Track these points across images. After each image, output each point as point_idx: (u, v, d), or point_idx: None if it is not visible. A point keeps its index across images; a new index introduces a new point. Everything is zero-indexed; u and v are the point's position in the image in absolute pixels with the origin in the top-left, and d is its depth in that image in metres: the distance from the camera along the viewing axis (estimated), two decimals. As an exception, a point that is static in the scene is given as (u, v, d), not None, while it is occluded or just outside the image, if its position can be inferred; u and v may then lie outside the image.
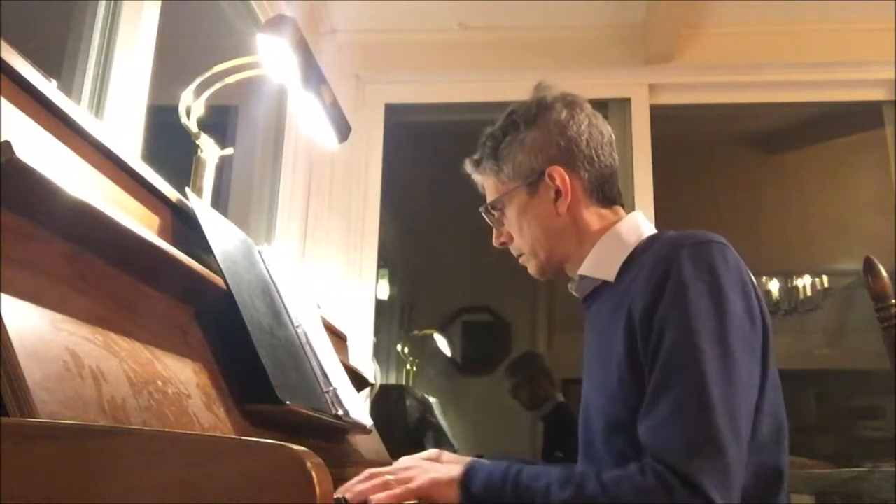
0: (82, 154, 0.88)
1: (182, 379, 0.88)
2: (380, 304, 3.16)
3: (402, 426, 2.88)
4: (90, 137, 0.89)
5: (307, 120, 1.64)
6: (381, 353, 4.10)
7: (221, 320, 1.03)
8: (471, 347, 5.09)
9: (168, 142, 1.53)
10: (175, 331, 0.94)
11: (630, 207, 1.24)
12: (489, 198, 1.26)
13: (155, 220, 1.04)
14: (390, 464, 1.20)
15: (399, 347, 4.39)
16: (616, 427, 1.03)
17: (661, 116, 2.91)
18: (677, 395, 0.91)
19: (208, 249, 1.06)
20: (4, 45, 0.75)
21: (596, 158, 1.18)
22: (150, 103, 1.67)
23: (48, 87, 0.81)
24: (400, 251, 4.74)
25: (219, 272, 1.05)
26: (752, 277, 1.05)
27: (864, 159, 4.03)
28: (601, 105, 2.78)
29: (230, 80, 1.44)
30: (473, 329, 5.13)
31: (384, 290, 3.91)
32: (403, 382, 4.28)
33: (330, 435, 1.33)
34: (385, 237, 3.23)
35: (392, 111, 2.99)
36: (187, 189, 1.16)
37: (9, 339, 0.61)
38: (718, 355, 0.93)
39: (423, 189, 4.30)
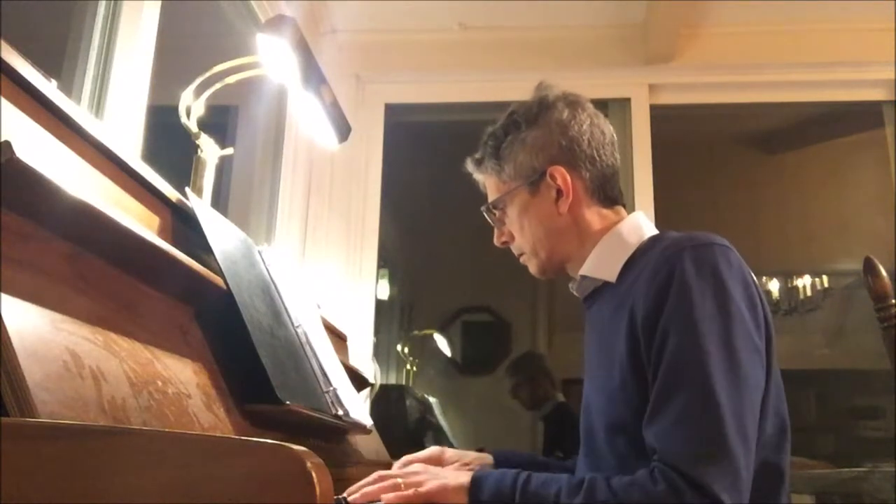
0: (82, 154, 0.88)
1: (182, 379, 0.88)
2: (380, 304, 3.16)
3: (402, 426, 2.88)
4: (90, 137, 0.89)
5: (307, 120, 1.64)
6: (381, 353, 4.10)
7: (221, 320, 1.03)
8: (471, 347, 5.09)
9: (168, 142, 1.53)
10: (175, 331, 0.94)
11: (630, 207, 1.24)
12: (490, 197, 1.26)
13: (155, 220, 1.04)
14: (391, 464, 1.21)
15: (399, 347, 4.39)
16: (618, 428, 1.03)
17: (661, 116, 2.91)
18: (684, 399, 0.91)
19: (208, 249, 1.06)
20: (4, 45, 0.75)
21: (597, 158, 1.18)
22: (150, 103, 1.67)
23: (48, 87, 0.81)
24: (400, 251, 4.74)
25: (219, 272, 1.05)
26: (755, 279, 1.05)
27: (864, 159, 4.03)
28: (601, 105, 2.76)
29: (230, 80, 1.44)
30: (473, 329, 5.13)
31: (384, 290, 3.91)
32: (403, 382, 4.28)
33: (330, 435, 1.33)
34: (385, 237, 3.23)
35: (392, 111, 2.99)
36: (187, 189, 1.16)
37: (9, 339, 0.61)
38: (723, 358, 0.93)
39: (423, 189, 4.30)
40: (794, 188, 4.72)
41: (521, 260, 1.27)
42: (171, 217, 1.09)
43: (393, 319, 4.75)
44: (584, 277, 1.18)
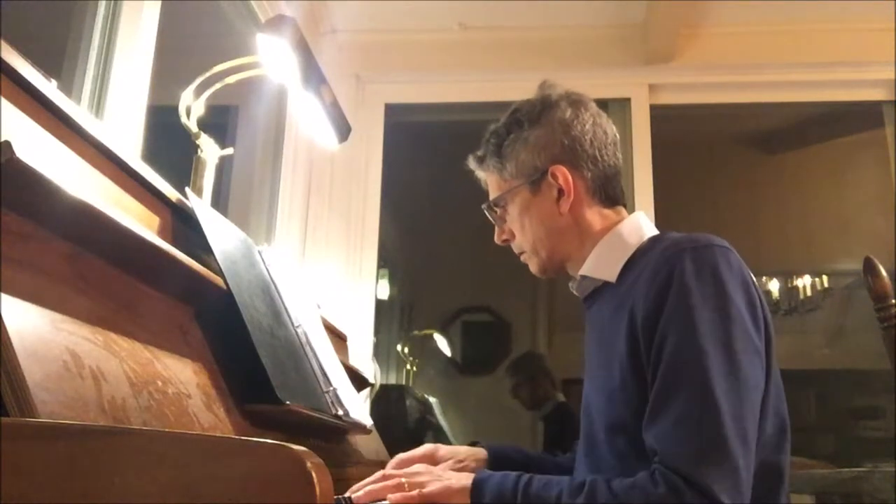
0: (82, 154, 0.88)
1: (182, 379, 0.88)
2: (380, 304, 3.16)
3: (402, 426, 2.88)
4: (90, 137, 0.89)
5: (307, 120, 1.64)
6: (381, 353, 4.10)
7: (221, 320, 1.03)
8: (471, 347, 5.09)
9: (168, 142, 1.53)
10: (175, 331, 0.94)
11: (630, 207, 1.24)
12: (492, 195, 1.26)
13: (155, 220, 1.04)
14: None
15: (399, 347, 4.39)
16: (618, 428, 1.03)
17: (661, 116, 2.91)
18: (684, 400, 0.91)
19: (208, 249, 1.06)
20: (4, 45, 0.75)
21: (599, 158, 1.18)
22: (150, 103, 1.67)
23: (48, 87, 0.81)
24: (400, 251, 4.74)
25: (219, 272, 1.05)
26: (755, 280, 1.05)
27: (864, 159, 4.03)
28: (601, 105, 2.75)
29: (230, 80, 1.44)
30: (473, 329, 5.13)
31: (384, 290, 3.91)
32: (403, 382, 4.28)
33: (330, 435, 1.33)
34: (385, 237, 3.23)
35: (392, 111, 2.99)
36: (187, 189, 1.16)
37: (9, 339, 0.61)
38: (723, 359, 0.93)
39: (423, 189, 4.30)
40: (794, 188, 4.73)
41: (522, 258, 1.27)
42: (171, 217, 1.09)
43: (393, 319, 4.75)
44: (584, 277, 1.18)
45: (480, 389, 4.77)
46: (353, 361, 2.02)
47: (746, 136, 4.51)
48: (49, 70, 0.85)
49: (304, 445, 0.57)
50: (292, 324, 1.28)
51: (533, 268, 1.25)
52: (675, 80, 2.92)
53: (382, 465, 1.27)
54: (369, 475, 1.06)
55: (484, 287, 4.93)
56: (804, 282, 4.81)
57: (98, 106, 1.57)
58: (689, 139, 4.25)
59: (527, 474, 0.99)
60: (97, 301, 0.79)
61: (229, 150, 1.46)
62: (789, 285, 4.84)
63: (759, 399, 0.97)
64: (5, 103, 0.74)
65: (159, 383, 0.81)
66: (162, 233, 1.05)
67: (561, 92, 1.22)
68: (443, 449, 1.26)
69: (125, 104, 1.60)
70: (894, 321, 1.49)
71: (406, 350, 4.35)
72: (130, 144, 1.59)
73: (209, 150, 1.38)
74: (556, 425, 3.37)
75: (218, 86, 1.41)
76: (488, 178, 1.27)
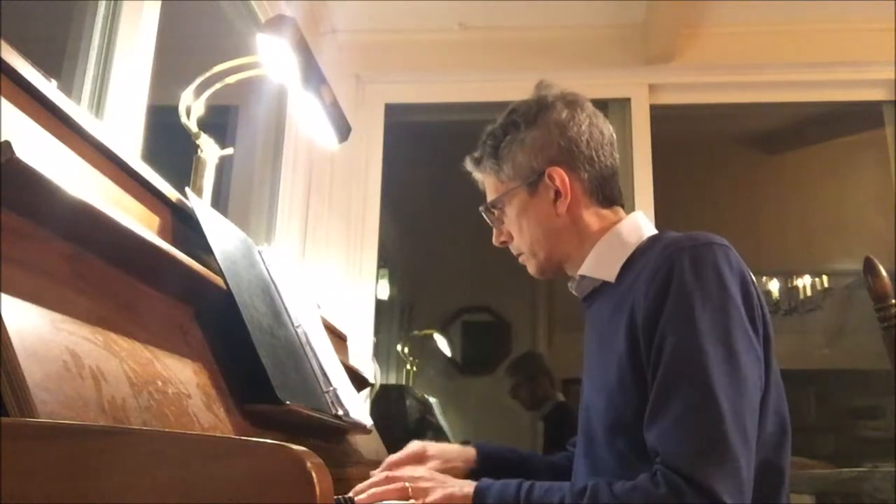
0: (82, 154, 0.88)
1: (182, 379, 0.88)
2: (380, 304, 3.16)
3: (402, 426, 2.88)
4: (90, 137, 0.89)
5: (307, 120, 1.64)
6: (381, 353, 4.10)
7: (221, 320, 1.03)
8: (471, 347, 5.09)
9: (168, 142, 1.53)
10: (175, 331, 0.94)
11: (630, 207, 1.24)
12: (489, 197, 1.26)
13: (155, 220, 1.04)
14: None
15: (399, 347, 4.39)
16: (618, 428, 1.03)
17: (661, 116, 2.91)
18: (684, 399, 0.91)
19: (208, 249, 1.06)
20: (4, 45, 0.75)
21: (596, 159, 1.18)
22: (150, 103, 1.67)
23: (48, 87, 0.81)
24: (400, 251, 4.74)
25: (219, 272, 1.05)
26: (754, 279, 1.05)
27: (864, 159, 4.03)
28: (601, 105, 2.76)
29: (230, 80, 1.44)
30: (473, 329, 5.13)
31: (384, 290, 3.92)
32: (403, 382, 4.28)
33: (330, 435, 1.33)
34: (385, 237, 3.23)
35: (392, 111, 2.99)
36: (187, 189, 1.16)
37: (9, 339, 0.61)
38: (723, 357, 0.93)
39: (423, 189, 4.30)
40: (794, 188, 4.73)
41: (520, 260, 1.27)
42: (171, 217, 1.09)
43: (393, 319, 4.75)
44: (583, 277, 1.18)
45: (480, 389, 4.77)
46: (353, 361, 2.02)
47: (746, 136, 4.51)
48: (49, 70, 0.85)
49: (304, 445, 0.57)
50: (292, 324, 1.28)
51: (531, 269, 1.25)
52: (675, 80, 2.92)
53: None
54: (369, 475, 1.06)
55: (484, 287, 4.93)
56: (804, 282, 4.82)
57: (98, 106, 1.57)
58: (689, 139, 4.25)
59: (528, 481, 0.99)
60: (97, 301, 0.79)
61: (229, 150, 1.46)
62: (789, 285, 4.84)
63: (759, 397, 0.97)
64: (5, 103, 0.74)
65: (159, 383, 0.81)
66: (162, 233, 1.05)
67: (557, 92, 1.22)
68: (432, 448, 1.26)
69: (125, 104, 1.60)
70: (894, 321, 1.49)
71: (406, 350, 4.35)
72: (130, 144, 1.59)
73: (209, 150, 1.38)
74: (556, 425, 3.37)
75: (218, 86, 1.41)
76: (485, 180, 1.27)
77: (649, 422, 0.95)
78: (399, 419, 2.87)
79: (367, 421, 1.43)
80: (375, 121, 2.95)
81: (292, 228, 2.59)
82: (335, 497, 0.91)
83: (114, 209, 0.82)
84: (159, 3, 1.77)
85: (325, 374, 1.29)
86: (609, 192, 1.20)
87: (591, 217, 1.18)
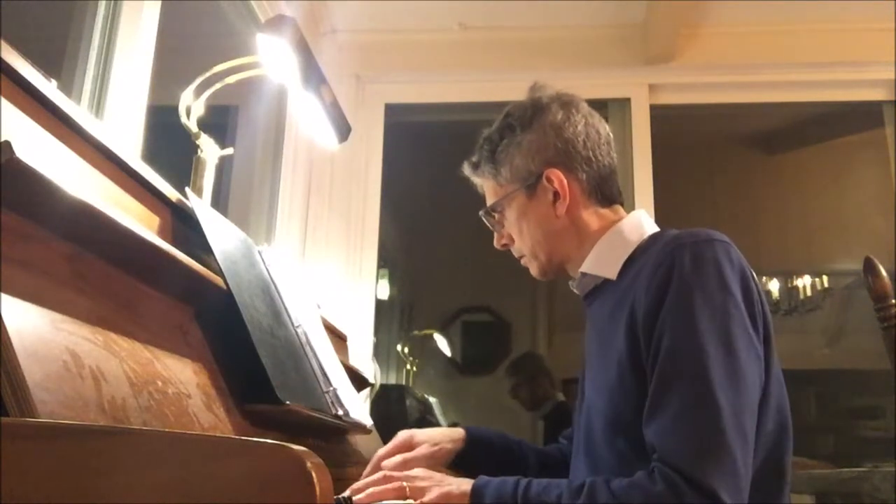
0: (82, 154, 0.88)
1: (182, 379, 0.88)
2: (380, 304, 3.16)
3: (402, 426, 2.87)
4: (90, 137, 0.89)
5: (307, 120, 1.64)
6: (381, 353, 4.10)
7: (221, 320, 1.03)
8: (471, 347, 5.09)
9: (168, 142, 1.53)
10: (175, 331, 0.94)
11: (630, 207, 1.24)
12: (488, 201, 1.26)
13: (155, 220, 1.04)
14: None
15: (399, 347, 4.39)
16: (618, 427, 1.03)
17: (661, 116, 2.91)
18: (683, 397, 0.91)
19: (208, 249, 1.06)
20: (4, 45, 0.75)
21: (593, 159, 1.18)
22: (150, 103, 1.67)
23: (48, 87, 0.81)
24: (400, 251, 4.75)
25: (219, 272, 1.05)
26: (755, 276, 1.05)
27: (864, 159, 4.03)
28: (601, 105, 2.78)
29: (230, 80, 1.44)
30: (473, 329, 5.13)
31: (384, 290, 3.91)
32: (403, 382, 4.28)
33: (330, 435, 1.33)
34: (385, 237, 3.23)
35: (392, 111, 2.99)
36: (187, 189, 1.16)
37: (9, 339, 0.61)
38: (722, 355, 0.93)
39: (423, 189, 4.30)
40: (794, 188, 4.73)
41: (522, 262, 1.27)
42: (171, 217, 1.09)
43: (393, 319, 4.75)
44: (584, 275, 1.18)
45: (480, 389, 4.77)
46: (353, 361, 2.02)
47: (746, 136, 4.51)
48: (49, 70, 0.85)
49: (304, 445, 0.57)
50: (292, 324, 1.28)
51: (533, 271, 1.25)
52: (675, 80, 2.92)
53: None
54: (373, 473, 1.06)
55: (484, 287, 4.93)
56: (804, 282, 4.82)
57: (98, 106, 1.57)
58: (689, 139, 4.25)
59: (525, 478, 0.99)
60: (97, 301, 0.79)
61: (229, 150, 1.46)
62: (789, 285, 4.84)
63: (758, 395, 0.97)
64: (5, 103, 0.74)
65: (159, 383, 0.81)
66: (162, 233, 1.05)
67: (552, 94, 1.22)
68: (419, 435, 1.26)
69: (125, 104, 1.60)
70: (894, 321, 1.49)
71: (406, 350, 4.35)
72: (130, 144, 1.59)
73: (209, 150, 1.38)
74: (556, 425, 3.37)
75: (218, 86, 1.41)
76: (484, 184, 1.27)
77: (647, 418, 0.95)
78: (399, 419, 2.87)
79: (367, 421, 1.43)
80: (375, 121, 2.95)
81: (292, 228, 2.59)
82: (335, 497, 0.91)
83: (114, 209, 0.82)
84: (159, 3, 1.77)
85: (325, 374, 1.29)
86: (608, 191, 1.20)
87: (591, 217, 1.18)
